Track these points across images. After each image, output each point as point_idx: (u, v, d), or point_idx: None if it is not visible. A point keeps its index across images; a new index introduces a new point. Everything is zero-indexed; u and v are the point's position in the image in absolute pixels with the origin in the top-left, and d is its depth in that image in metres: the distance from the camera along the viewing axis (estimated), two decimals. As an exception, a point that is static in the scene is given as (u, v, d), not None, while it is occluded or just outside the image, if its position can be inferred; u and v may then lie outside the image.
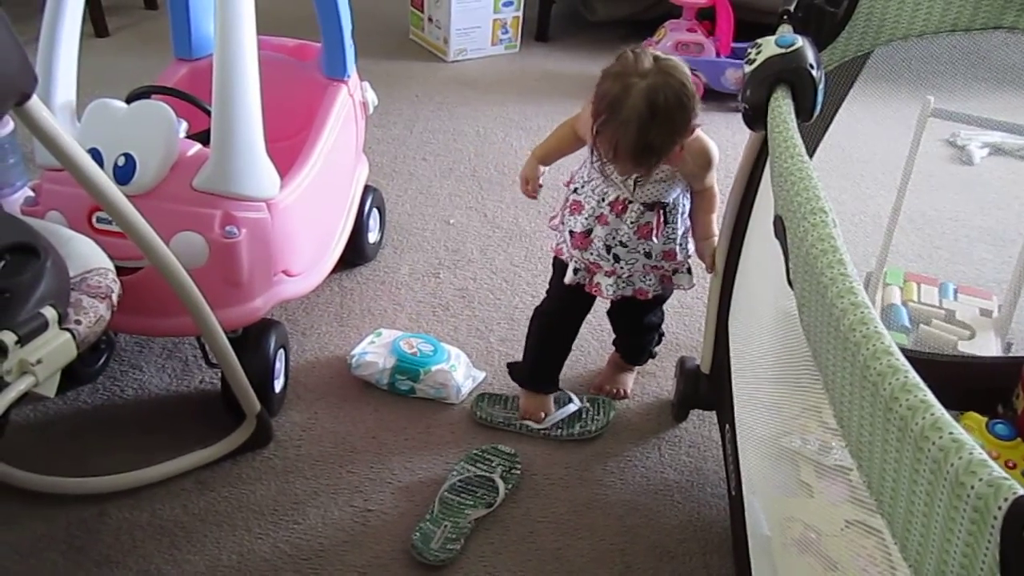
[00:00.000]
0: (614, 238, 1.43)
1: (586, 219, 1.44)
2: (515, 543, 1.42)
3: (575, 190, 1.47)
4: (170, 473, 1.46)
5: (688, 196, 1.46)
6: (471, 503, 1.45)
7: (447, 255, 2.09)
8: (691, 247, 1.51)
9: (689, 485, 1.55)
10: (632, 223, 1.42)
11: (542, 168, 1.55)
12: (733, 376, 1.43)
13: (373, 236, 2.03)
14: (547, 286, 1.63)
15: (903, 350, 0.64)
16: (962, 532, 0.51)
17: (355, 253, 1.95)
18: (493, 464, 1.53)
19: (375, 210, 2.02)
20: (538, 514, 1.47)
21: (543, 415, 1.61)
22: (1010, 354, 1.75)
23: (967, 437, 0.54)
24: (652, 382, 1.76)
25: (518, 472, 1.52)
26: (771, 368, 1.36)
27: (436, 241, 2.14)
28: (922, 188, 1.75)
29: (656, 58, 1.28)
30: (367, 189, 1.99)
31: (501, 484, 1.48)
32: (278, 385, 1.60)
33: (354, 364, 1.69)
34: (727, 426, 1.43)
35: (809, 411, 1.46)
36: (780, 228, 0.88)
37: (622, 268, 1.46)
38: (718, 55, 2.88)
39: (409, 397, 1.67)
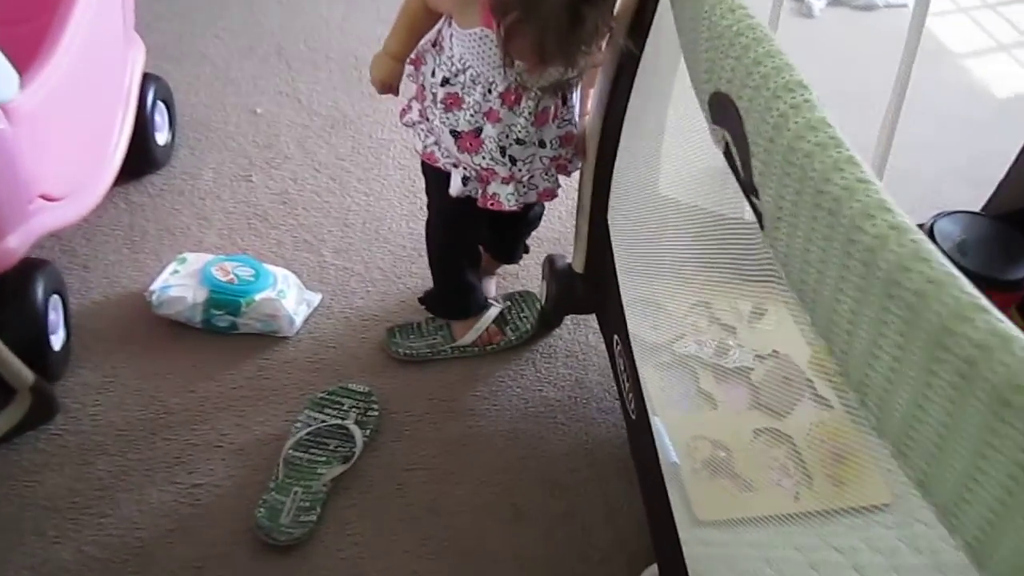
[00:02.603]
0: (508, 136, 1.18)
1: (472, 116, 1.17)
2: (382, 501, 1.24)
3: (445, 80, 1.18)
4: (-80, 475, 1.15)
5: None
6: (324, 460, 1.24)
7: (258, 152, 1.82)
8: None
9: (572, 402, 1.39)
10: (530, 114, 1.16)
11: (401, 67, 1.25)
12: (619, 277, 1.25)
13: (162, 137, 1.76)
14: (424, 197, 1.38)
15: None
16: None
17: (141, 160, 1.69)
18: (345, 408, 1.31)
19: (161, 104, 1.75)
20: (405, 461, 1.29)
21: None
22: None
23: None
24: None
25: (375, 413, 1.32)
26: (658, 263, 1.24)
27: (243, 136, 1.85)
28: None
29: None
30: (147, 78, 1.71)
31: (357, 431, 1.28)
32: (56, 341, 1.34)
33: (156, 301, 1.44)
34: (616, 338, 1.25)
35: (698, 307, 1.35)
36: (725, 111, 0.66)
37: (520, 171, 1.22)
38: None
39: (231, 335, 1.44)
